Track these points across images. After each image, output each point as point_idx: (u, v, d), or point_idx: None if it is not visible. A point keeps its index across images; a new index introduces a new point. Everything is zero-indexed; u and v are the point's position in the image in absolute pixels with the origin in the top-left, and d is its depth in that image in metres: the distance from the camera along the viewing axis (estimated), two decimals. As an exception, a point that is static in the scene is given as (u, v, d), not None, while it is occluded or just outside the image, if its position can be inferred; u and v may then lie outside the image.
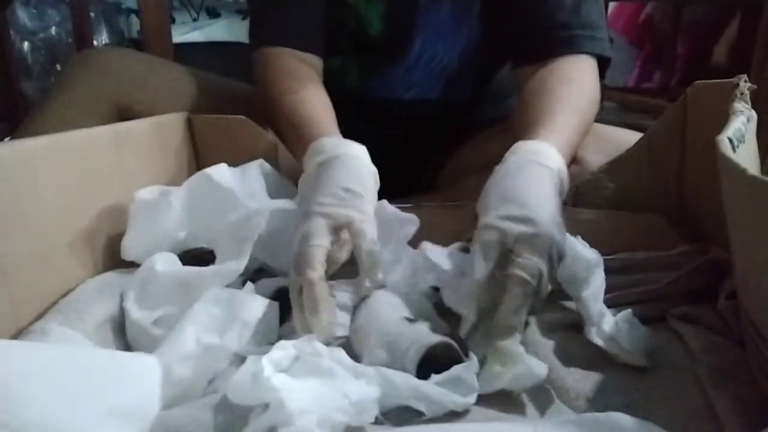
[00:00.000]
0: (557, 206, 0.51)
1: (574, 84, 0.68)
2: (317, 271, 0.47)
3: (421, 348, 0.43)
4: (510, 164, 0.55)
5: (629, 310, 0.49)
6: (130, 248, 0.58)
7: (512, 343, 0.43)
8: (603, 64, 0.75)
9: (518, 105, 0.74)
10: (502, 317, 0.44)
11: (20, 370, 0.36)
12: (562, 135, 0.60)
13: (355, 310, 0.52)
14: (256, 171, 0.66)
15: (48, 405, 0.35)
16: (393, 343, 0.45)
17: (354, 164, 0.56)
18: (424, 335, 0.45)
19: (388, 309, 0.49)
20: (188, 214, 0.61)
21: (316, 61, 0.77)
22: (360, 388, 0.40)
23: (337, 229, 0.50)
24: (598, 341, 0.48)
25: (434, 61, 0.84)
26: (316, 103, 0.69)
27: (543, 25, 0.72)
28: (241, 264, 0.53)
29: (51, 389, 0.36)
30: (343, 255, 0.53)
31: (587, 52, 0.71)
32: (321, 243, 0.48)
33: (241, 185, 0.63)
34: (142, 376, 0.41)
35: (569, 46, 0.71)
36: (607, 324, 0.48)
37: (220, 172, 0.62)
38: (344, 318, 0.52)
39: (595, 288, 0.50)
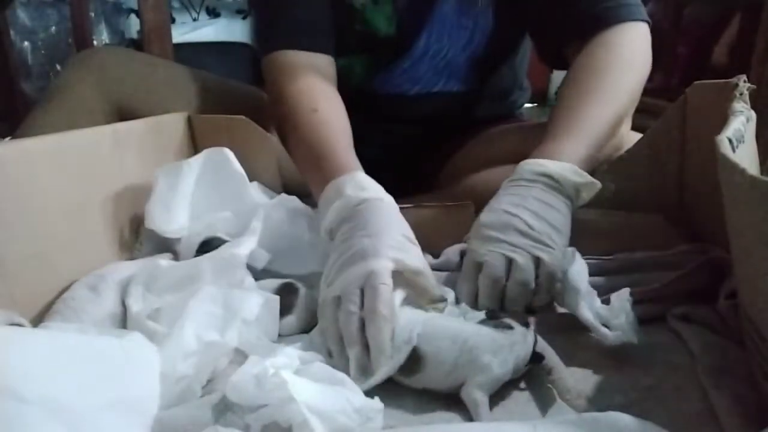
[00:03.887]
0: (543, 218, 0.53)
1: (619, 56, 0.66)
2: (390, 309, 0.46)
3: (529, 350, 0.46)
4: (508, 187, 0.57)
5: (627, 290, 0.49)
6: (152, 216, 0.62)
7: None
8: None
9: (561, 85, 0.72)
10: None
11: (24, 354, 0.36)
12: (577, 136, 0.60)
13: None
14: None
15: (51, 390, 0.35)
16: (512, 351, 0.45)
17: (395, 210, 0.57)
18: (520, 339, 0.46)
19: (466, 327, 0.48)
20: (203, 185, 0.64)
21: (328, 62, 0.76)
22: (362, 396, 0.40)
23: (395, 274, 0.49)
24: (588, 315, 0.49)
25: (439, 56, 0.84)
26: (335, 126, 0.67)
27: (580, 3, 0.70)
28: (241, 248, 0.55)
29: (54, 375, 0.36)
30: None
31: (630, 20, 0.69)
32: (390, 283, 0.47)
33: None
34: (144, 366, 0.41)
35: (610, 18, 0.69)
36: (596, 300, 0.50)
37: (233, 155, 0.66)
38: None
39: (579, 266, 0.53)
